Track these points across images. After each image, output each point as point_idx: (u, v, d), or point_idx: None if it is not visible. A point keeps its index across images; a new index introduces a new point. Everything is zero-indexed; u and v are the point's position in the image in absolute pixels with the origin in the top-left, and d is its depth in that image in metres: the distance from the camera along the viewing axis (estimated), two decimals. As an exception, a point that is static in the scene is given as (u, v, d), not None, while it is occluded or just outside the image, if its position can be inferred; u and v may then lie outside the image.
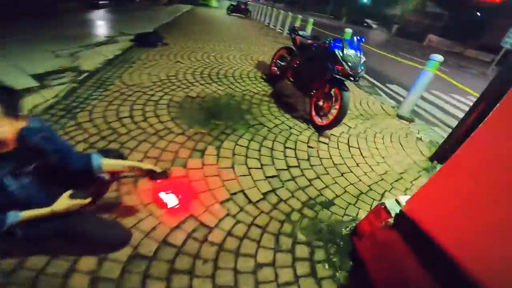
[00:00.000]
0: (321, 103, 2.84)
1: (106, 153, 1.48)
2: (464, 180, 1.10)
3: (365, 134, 3.05)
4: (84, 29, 5.99)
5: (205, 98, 3.19)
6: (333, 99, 2.73)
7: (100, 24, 7.09)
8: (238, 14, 15.72)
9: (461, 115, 5.06)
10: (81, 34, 5.37)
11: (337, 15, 40.68)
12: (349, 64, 2.48)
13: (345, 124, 3.16)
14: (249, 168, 2.17)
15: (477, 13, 25.35)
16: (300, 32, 3.61)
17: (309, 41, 3.24)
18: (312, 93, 3.01)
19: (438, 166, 2.72)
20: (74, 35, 5.15)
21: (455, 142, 2.63)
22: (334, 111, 2.68)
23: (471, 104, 6.15)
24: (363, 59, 2.60)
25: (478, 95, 2.40)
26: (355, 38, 2.63)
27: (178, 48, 5.06)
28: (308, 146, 2.62)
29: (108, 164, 1.35)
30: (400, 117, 3.71)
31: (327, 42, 2.70)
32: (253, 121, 2.86)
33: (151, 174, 1.41)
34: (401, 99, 5.12)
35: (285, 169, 2.25)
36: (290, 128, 2.86)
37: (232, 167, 2.14)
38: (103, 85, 3.11)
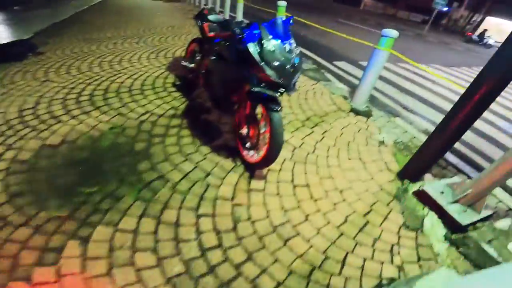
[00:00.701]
0: (244, 130, 1.88)
1: None
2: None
3: (315, 155, 2.23)
4: None
5: (76, 144, 2.04)
6: (261, 122, 1.80)
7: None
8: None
9: (415, 89, 4.60)
10: None
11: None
12: (274, 65, 1.51)
13: (289, 143, 2.30)
14: (138, 270, 1.27)
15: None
16: (211, 17, 2.53)
17: (211, 34, 2.18)
18: (234, 110, 2.06)
19: (411, 187, 2.04)
20: None
21: (433, 155, 1.94)
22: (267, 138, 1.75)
23: (421, 72, 5.90)
24: (296, 51, 1.64)
25: (418, 65, 1.70)
26: (279, 20, 1.63)
27: (58, 57, 3.64)
28: (234, 205, 1.71)
29: None
30: (355, 111, 2.98)
31: (236, 30, 1.71)
32: (149, 174, 1.84)
33: None
34: (352, 79, 4.45)
35: (199, 257, 1.38)
36: (208, 174, 1.91)
37: (109, 274, 1.24)
38: None
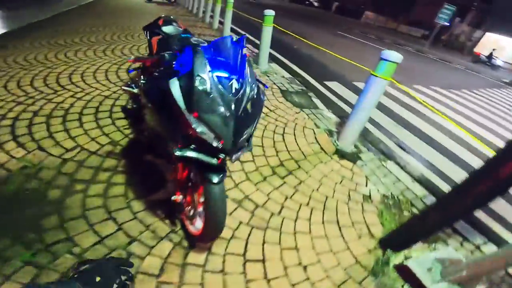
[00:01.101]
0: (179, 197, 1.36)
1: None
2: None
3: (280, 218, 1.73)
4: None
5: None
6: (199, 191, 1.30)
7: None
8: (159, 0, 13.15)
9: (412, 118, 4.10)
10: None
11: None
12: (208, 116, 0.97)
13: (250, 200, 1.80)
14: None
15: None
16: (167, 29, 1.95)
17: (131, 59, 1.62)
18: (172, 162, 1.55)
19: (394, 258, 1.58)
20: None
21: (428, 231, 1.47)
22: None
23: (417, 96, 5.44)
24: (251, 91, 1.05)
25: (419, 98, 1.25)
26: (227, 41, 1.06)
27: (6, 66, 3.11)
28: (160, 283, 1.24)
29: None
30: (341, 154, 2.48)
31: (165, 55, 1.18)
32: (54, 233, 1.37)
33: None
34: (343, 105, 3.98)
35: None
36: (133, 240, 1.41)
37: None
38: None
